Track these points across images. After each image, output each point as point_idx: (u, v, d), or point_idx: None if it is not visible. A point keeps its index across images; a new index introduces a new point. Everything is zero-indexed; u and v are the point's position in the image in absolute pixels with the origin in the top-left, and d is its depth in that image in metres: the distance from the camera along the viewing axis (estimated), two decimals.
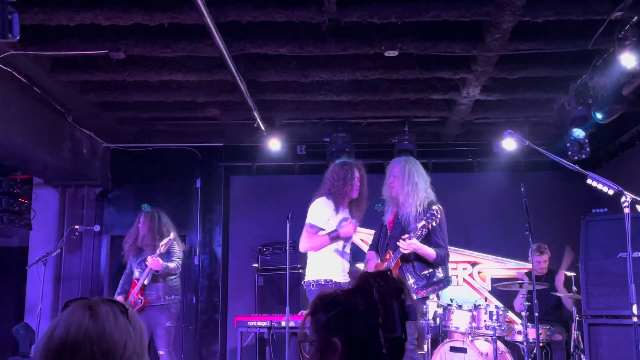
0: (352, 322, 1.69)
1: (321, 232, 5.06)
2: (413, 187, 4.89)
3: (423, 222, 4.66)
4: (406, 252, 4.71)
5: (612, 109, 5.87)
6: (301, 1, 5.05)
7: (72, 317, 1.45)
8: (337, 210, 5.08)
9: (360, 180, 5.14)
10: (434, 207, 4.72)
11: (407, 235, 4.68)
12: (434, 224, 4.68)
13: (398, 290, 1.72)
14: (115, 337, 1.44)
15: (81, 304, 1.49)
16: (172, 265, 6.22)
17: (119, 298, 6.23)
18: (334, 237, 5.00)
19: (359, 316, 1.69)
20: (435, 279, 4.85)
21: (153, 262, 6.06)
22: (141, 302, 6.09)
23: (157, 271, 6.11)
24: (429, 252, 4.75)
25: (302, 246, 5.10)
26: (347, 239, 5.12)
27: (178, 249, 6.39)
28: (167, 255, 6.24)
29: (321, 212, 5.07)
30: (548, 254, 7.11)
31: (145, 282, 6.15)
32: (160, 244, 6.15)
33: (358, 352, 1.65)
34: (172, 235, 6.28)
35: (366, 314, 1.69)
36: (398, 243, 4.70)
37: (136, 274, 6.30)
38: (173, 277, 6.31)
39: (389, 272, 1.78)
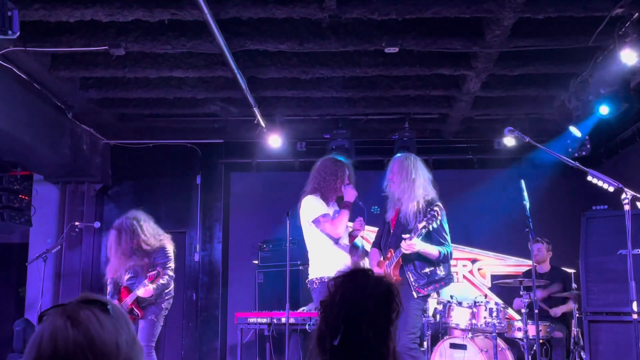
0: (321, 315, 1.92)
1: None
2: (410, 184, 4.85)
3: (424, 223, 4.61)
4: (408, 252, 4.69)
5: (619, 105, 5.86)
6: None
7: (55, 328, 1.38)
8: (326, 204, 5.07)
9: (349, 179, 5.12)
10: (435, 207, 4.67)
11: (407, 236, 4.64)
12: (434, 224, 4.64)
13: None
14: (106, 340, 1.39)
15: (59, 314, 1.42)
16: (162, 282, 5.65)
17: None
18: (347, 206, 4.96)
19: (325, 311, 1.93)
20: (436, 277, 4.83)
21: (145, 291, 5.54)
22: (138, 315, 5.61)
23: (149, 297, 5.59)
24: (432, 251, 4.73)
25: (336, 231, 4.92)
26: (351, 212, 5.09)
27: (171, 256, 5.83)
28: (162, 265, 5.71)
29: (319, 204, 5.04)
30: (543, 244, 7.05)
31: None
32: (148, 275, 5.55)
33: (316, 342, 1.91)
34: (165, 244, 5.73)
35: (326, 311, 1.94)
36: (401, 244, 4.68)
37: (124, 281, 5.75)
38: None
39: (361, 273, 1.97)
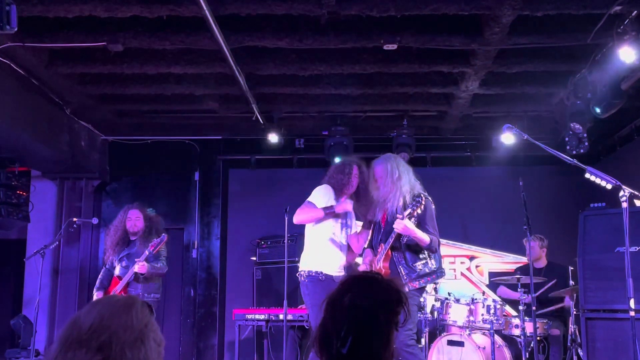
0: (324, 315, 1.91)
1: None
2: (396, 182, 4.88)
3: (409, 210, 4.66)
4: (399, 231, 4.68)
5: (611, 103, 5.86)
6: None
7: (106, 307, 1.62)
8: (337, 199, 5.16)
9: (357, 176, 5.21)
10: (419, 197, 4.72)
11: (399, 216, 4.67)
12: (419, 210, 4.67)
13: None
14: (141, 321, 1.59)
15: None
16: (158, 265, 5.97)
17: (98, 294, 6.07)
18: (329, 212, 5.09)
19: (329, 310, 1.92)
20: (427, 270, 4.83)
21: (140, 266, 5.77)
22: None
23: (142, 274, 5.83)
24: (422, 236, 4.73)
25: (296, 217, 5.21)
26: (345, 223, 5.24)
27: (164, 249, 6.14)
28: (156, 256, 5.99)
29: (321, 195, 5.18)
30: (537, 241, 7.03)
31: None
32: (150, 244, 5.86)
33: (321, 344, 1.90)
34: (164, 235, 6.01)
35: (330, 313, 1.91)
36: (394, 225, 4.69)
37: (117, 270, 6.03)
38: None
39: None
